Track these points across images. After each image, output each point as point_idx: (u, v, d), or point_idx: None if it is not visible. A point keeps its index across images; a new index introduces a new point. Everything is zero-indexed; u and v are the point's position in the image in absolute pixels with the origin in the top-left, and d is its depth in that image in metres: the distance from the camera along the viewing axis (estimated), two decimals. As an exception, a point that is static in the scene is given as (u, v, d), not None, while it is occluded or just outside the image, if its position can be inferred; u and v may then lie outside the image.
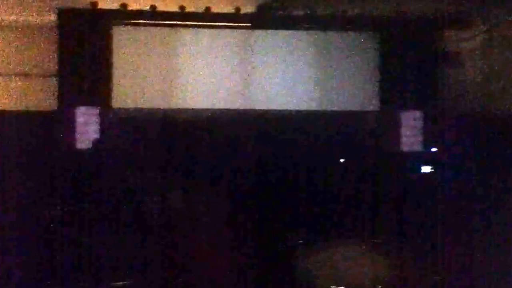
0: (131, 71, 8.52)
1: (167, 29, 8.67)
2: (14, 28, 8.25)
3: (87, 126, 8.26)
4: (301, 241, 9.06)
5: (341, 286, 8.94)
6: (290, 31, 9.00)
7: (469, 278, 8.93)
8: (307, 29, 9.01)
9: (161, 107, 8.64)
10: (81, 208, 8.30)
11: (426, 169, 9.24)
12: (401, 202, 9.12)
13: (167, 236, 8.59)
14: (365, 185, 9.22)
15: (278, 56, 8.96)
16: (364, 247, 8.94)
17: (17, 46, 8.25)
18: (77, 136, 8.26)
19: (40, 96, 8.24)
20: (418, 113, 9.12)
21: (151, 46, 8.62)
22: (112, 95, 8.40)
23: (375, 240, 8.98)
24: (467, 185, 9.12)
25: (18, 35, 8.29)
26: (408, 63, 9.12)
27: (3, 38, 8.29)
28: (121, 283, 8.53)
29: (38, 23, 8.27)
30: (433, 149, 9.23)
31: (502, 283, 8.69)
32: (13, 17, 8.26)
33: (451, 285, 8.96)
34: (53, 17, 8.26)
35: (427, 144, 9.20)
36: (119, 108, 8.44)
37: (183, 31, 8.69)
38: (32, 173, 8.26)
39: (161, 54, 8.64)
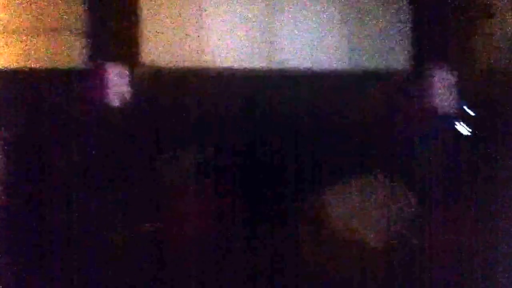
0: (160, 28, 8.49)
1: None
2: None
3: (116, 83, 8.24)
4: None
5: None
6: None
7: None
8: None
9: (188, 65, 8.60)
10: (113, 167, 8.25)
11: (459, 128, 9.10)
12: (434, 162, 9.00)
13: (199, 192, 8.52)
14: (398, 145, 9.10)
15: (304, 13, 8.88)
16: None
17: (45, 2, 8.23)
18: (107, 93, 8.23)
19: (68, 53, 8.21)
20: (452, 71, 8.99)
21: (180, 4, 8.59)
22: (141, 52, 8.38)
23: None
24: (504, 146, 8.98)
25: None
26: (441, 20, 8.99)
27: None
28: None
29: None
30: (467, 108, 9.10)
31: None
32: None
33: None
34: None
35: (460, 103, 9.06)
36: (147, 65, 8.42)
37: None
38: (61, 132, 8.22)
39: (189, 12, 8.61)
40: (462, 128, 9.10)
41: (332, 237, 8.75)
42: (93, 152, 8.02)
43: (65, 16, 8.16)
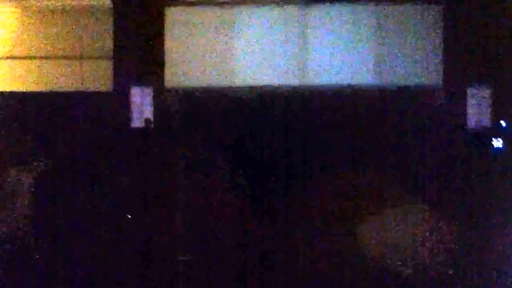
0: (185, 51, 8.63)
1: (220, 8, 8.72)
2: (71, 12, 8.55)
3: (141, 106, 8.46)
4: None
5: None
6: (348, 5, 8.85)
7: None
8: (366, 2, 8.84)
9: (216, 86, 8.72)
10: (137, 185, 8.52)
11: (495, 144, 8.87)
12: (469, 178, 8.82)
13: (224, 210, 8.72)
14: (428, 161, 8.98)
15: (336, 31, 8.83)
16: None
17: (74, 29, 8.54)
18: (132, 115, 8.47)
19: (96, 77, 8.50)
20: (485, 88, 8.76)
21: (205, 26, 8.70)
22: (167, 75, 8.56)
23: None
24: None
25: (75, 19, 8.58)
26: (475, 36, 8.76)
27: (62, 22, 8.61)
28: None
29: (93, 7, 8.52)
30: (503, 124, 8.84)
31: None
32: (70, 2, 8.56)
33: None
34: (107, 1, 8.51)
35: (495, 119, 8.82)
36: (173, 87, 8.60)
37: (236, 9, 8.72)
38: (88, 150, 8.53)
39: (215, 33, 8.70)
40: (498, 144, 8.86)
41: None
42: (122, 178, 8.33)
43: (93, 42, 8.46)
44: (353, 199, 9.01)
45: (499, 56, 8.80)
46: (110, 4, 8.48)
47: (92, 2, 8.55)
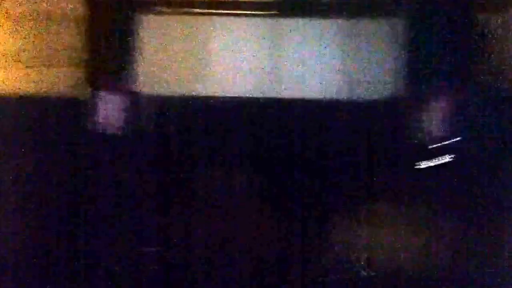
0: (158, 59, 8.69)
1: (193, 17, 8.80)
2: (42, 18, 8.49)
3: (114, 112, 8.49)
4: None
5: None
6: (320, 19, 9.06)
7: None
8: (336, 17, 9.05)
9: (188, 95, 8.80)
10: (108, 194, 8.48)
11: (451, 160, 9.16)
12: (420, 195, 9.07)
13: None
14: (385, 175, 9.18)
15: (307, 44, 9.02)
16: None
17: (45, 35, 8.48)
18: (104, 122, 8.47)
19: (67, 84, 8.47)
20: (449, 101, 9.05)
21: (178, 34, 8.78)
22: (139, 83, 8.59)
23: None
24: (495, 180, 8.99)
25: (46, 25, 8.53)
26: (439, 50, 9.06)
27: (31, 27, 8.53)
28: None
29: (65, 12, 8.51)
30: (463, 138, 9.14)
31: None
32: (40, 7, 8.51)
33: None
34: (79, 6, 8.47)
35: (458, 133, 9.12)
36: (146, 94, 8.63)
37: (209, 19, 8.81)
38: (60, 159, 8.47)
39: (187, 42, 8.80)
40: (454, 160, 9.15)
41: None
42: (88, 182, 8.26)
43: (64, 48, 8.43)
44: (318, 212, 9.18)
45: (459, 69, 9.13)
46: (82, 10, 8.45)
47: (63, 8, 8.52)
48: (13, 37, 8.28)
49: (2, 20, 7.87)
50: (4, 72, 8.02)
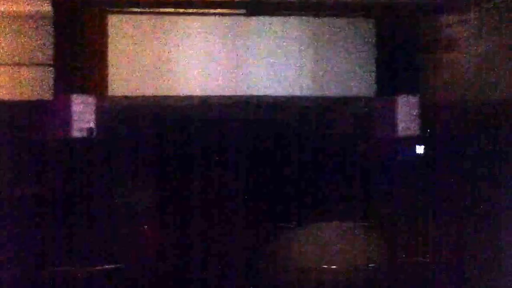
0: (128, 59, 8.66)
1: (161, 17, 8.81)
2: (9, 18, 8.39)
3: (81, 115, 8.41)
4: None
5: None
6: (284, 17, 9.11)
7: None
8: (300, 15, 9.11)
9: (154, 94, 8.79)
10: (76, 194, 8.48)
11: (418, 154, 9.30)
12: (392, 186, 9.20)
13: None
14: (356, 170, 9.34)
15: (272, 42, 9.09)
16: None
17: (12, 35, 8.39)
18: (72, 124, 8.40)
19: (35, 85, 8.38)
20: (411, 99, 9.20)
21: (146, 34, 8.77)
22: (107, 83, 8.58)
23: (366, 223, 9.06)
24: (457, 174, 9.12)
25: (13, 25, 8.44)
26: (402, 49, 9.22)
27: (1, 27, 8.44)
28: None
29: (33, 13, 8.42)
30: (425, 136, 9.28)
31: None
32: (7, 7, 8.38)
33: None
34: (48, 7, 8.42)
35: (419, 130, 9.24)
36: (114, 96, 8.62)
37: (177, 18, 8.83)
38: (26, 161, 8.44)
39: (157, 42, 8.78)
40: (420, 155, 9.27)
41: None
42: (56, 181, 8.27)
43: (32, 49, 8.34)
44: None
45: (427, 67, 9.29)
46: (52, 10, 8.39)
47: (33, 8, 8.43)
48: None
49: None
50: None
